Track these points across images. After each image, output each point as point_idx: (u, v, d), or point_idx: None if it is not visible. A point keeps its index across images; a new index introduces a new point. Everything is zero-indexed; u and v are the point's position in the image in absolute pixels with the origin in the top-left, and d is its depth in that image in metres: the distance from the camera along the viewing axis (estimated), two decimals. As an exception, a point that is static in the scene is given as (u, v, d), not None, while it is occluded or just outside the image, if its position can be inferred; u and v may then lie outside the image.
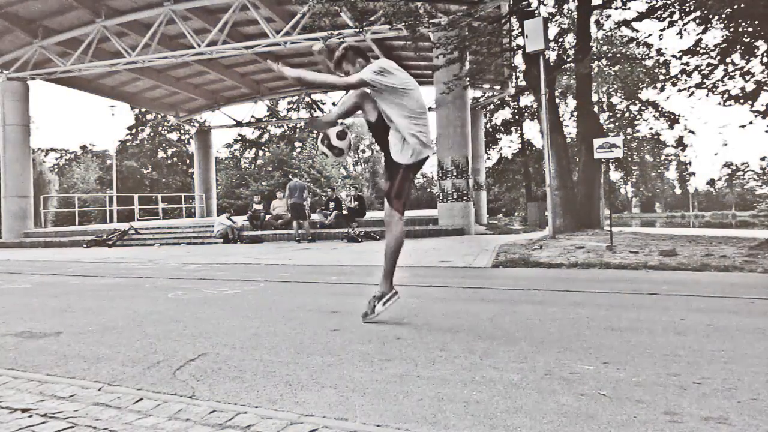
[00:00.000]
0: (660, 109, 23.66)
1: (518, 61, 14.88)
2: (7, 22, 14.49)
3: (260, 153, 44.70)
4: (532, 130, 41.82)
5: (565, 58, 12.90)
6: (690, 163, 60.58)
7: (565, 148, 11.63)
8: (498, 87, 20.45)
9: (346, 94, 3.58)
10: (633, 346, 2.60)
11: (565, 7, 13.24)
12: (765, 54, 8.79)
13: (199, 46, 14.38)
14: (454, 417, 1.76)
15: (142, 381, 2.22)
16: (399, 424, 1.71)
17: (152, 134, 48.12)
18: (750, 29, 8.70)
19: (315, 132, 3.56)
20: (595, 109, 18.11)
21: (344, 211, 13.49)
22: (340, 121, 3.55)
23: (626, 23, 11.67)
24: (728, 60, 9.27)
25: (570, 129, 21.98)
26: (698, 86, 9.82)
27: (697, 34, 9.48)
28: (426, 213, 15.89)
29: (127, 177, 42.22)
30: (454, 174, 12.52)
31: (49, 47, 15.47)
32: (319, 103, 26.87)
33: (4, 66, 16.05)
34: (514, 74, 17.97)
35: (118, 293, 5.04)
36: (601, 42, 16.62)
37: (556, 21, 13.87)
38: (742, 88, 9.16)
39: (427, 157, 3.37)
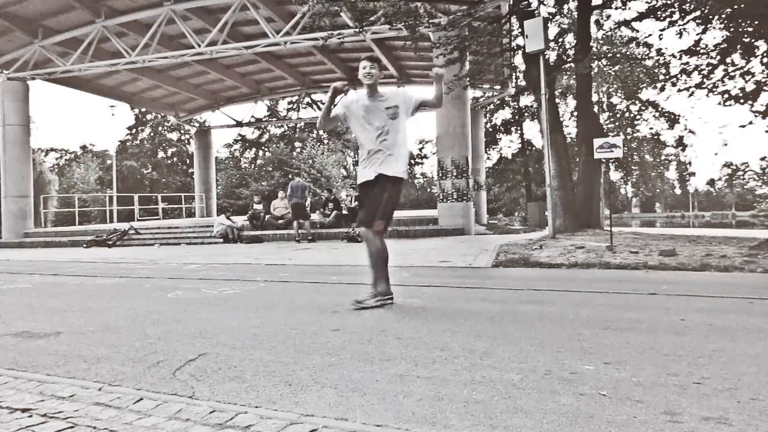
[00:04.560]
0: (660, 109, 23.75)
1: (518, 61, 14.88)
2: (7, 22, 14.48)
3: (260, 153, 44.72)
4: (532, 130, 41.82)
5: (565, 58, 12.89)
6: (690, 163, 60.72)
7: (565, 148, 11.62)
8: (498, 87, 20.44)
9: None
10: (633, 346, 2.60)
11: (565, 7, 13.23)
12: (765, 54, 8.79)
13: (199, 46, 14.37)
14: (454, 417, 1.76)
15: (142, 381, 2.22)
16: (399, 424, 1.70)
17: (152, 134, 48.16)
18: (750, 29, 8.70)
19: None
20: (595, 109, 18.10)
21: (344, 212, 13.52)
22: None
23: (626, 23, 11.67)
24: (728, 60, 9.27)
25: (570, 129, 22.00)
26: (698, 86, 9.82)
27: (697, 34, 9.49)
28: (426, 213, 15.88)
29: (127, 177, 42.17)
30: (454, 174, 12.52)
31: (49, 47, 15.46)
32: (319, 103, 26.84)
33: (4, 66, 16.04)
34: (514, 74, 17.95)
35: (118, 293, 5.04)
36: (601, 42, 16.61)
37: (556, 21, 13.86)
38: (742, 88, 9.15)
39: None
